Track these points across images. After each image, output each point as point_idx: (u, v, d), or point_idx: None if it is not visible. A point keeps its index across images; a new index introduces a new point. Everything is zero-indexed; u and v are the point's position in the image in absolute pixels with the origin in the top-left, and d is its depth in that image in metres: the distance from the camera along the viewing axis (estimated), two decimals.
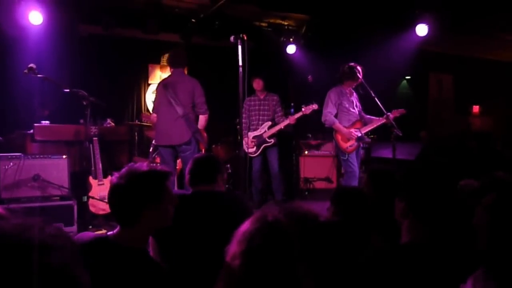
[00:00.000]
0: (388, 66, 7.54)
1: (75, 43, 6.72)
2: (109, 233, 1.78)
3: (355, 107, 5.38)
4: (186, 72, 5.31)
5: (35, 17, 5.72)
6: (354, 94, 5.45)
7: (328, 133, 6.54)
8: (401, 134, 4.72)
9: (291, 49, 7.78)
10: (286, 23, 7.84)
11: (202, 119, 4.93)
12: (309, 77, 6.60)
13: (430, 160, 6.67)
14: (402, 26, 7.14)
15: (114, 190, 1.74)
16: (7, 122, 5.86)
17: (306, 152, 7.07)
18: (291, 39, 7.78)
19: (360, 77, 5.12)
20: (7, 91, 6.09)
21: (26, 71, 4.45)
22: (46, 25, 5.89)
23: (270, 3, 6.93)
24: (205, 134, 5.09)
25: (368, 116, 5.44)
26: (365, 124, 5.38)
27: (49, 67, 5.23)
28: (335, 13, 7.08)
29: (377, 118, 5.24)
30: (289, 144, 6.86)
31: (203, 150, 5.10)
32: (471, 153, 7.97)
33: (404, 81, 9.86)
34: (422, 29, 6.99)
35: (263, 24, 7.77)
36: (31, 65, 4.47)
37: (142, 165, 1.79)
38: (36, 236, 0.74)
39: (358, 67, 5.21)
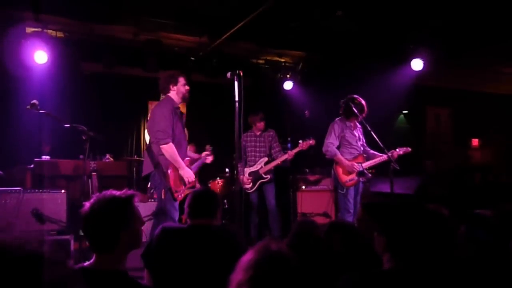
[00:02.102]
0: (385, 101, 7.54)
1: (77, 81, 6.87)
2: (84, 264, 1.80)
3: (357, 141, 5.19)
4: (171, 95, 4.36)
5: (41, 57, 5.91)
6: (358, 127, 5.28)
7: (325, 167, 6.51)
8: (398, 168, 4.62)
9: (288, 85, 7.91)
10: (283, 60, 8.01)
11: (163, 152, 4.03)
12: (306, 112, 6.68)
13: (430, 192, 6.66)
14: (397, 61, 7.28)
15: (90, 218, 1.77)
16: (8, 157, 5.94)
17: (303, 187, 7.05)
18: (288, 76, 7.93)
19: (359, 114, 4.92)
20: (9, 127, 6.20)
21: (28, 106, 4.53)
22: (50, 64, 6.06)
23: (266, 41, 7.11)
24: (169, 172, 4.04)
25: (372, 152, 5.24)
26: (367, 158, 5.18)
27: (52, 104, 5.29)
28: (331, 50, 7.26)
29: (380, 154, 5.04)
30: (285, 179, 6.84)
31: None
32: (473, 186, 7.97)
33: (402, 116, 9.94)
34: (417, 64, 7.14)
35: (260, 61, 7.93)
36: (34, 101, 4.55)
37: (108, 191, 1.85)
38: (38, 249, 0.77)
39: (361, 101, 5.04)
